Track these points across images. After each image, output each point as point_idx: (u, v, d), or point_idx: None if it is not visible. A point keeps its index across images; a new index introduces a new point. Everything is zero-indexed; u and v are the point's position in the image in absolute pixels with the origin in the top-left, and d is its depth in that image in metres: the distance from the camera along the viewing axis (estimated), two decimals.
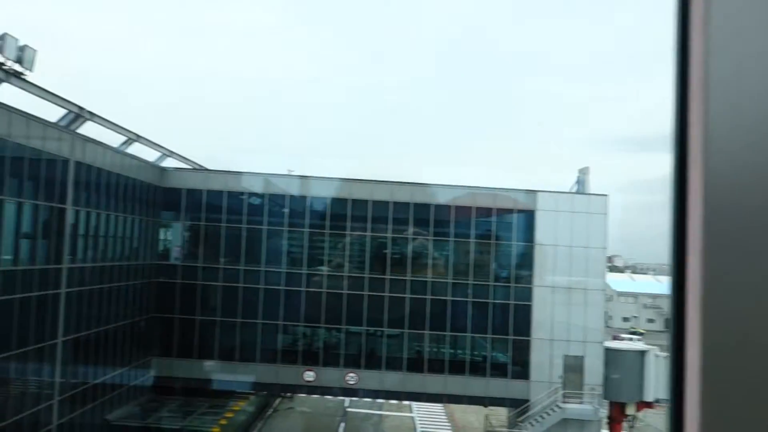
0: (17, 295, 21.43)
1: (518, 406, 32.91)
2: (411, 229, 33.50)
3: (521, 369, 33.12)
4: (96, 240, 27.45)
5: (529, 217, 33.56)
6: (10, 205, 21.10)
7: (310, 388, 34.23)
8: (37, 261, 22.93)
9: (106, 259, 28.19)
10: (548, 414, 31.35)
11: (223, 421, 31.38)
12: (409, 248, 33.59)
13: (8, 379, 21.34)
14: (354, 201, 33.82)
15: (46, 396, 23.58)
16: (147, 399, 32.40)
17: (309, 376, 33.23)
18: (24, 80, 21.66)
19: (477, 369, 33.43)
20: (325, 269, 33.69)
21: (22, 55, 21.11)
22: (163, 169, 34.33)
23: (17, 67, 21.07)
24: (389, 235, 33.52)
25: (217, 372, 33.06)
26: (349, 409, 43.33)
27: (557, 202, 33.64)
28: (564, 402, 31.69)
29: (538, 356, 32.86)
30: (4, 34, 20.24)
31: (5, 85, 21.07)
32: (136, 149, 31.47)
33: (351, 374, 33.23)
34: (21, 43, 21.07)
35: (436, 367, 33.37)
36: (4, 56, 20.32)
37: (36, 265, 22.78)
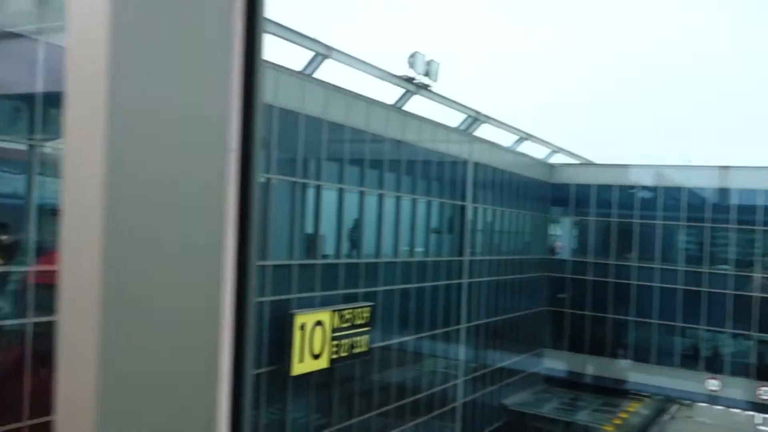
0: (428, 283, 24.09)
1: None
2: None
3: None
4: (492, 235, 29.30)
5: None
6: (421, 204, 23.84)
7: (712, 398, 31.22)
8: (443, 253, 25.48)
9: (501, 252, 29.89)
10: None
11: (617, 421, 30.58)
12: None
13: (422, 357, 24.14)
14: None
15: (452, 376, 26.04)
16: (539, 389, 33.41)
17: (712, 384, 30.34)
18: (430, 91, 24.22)
19: None
20: (730, 268, 30.39)
21: (429, 68, 23.65)
22: (552, 166, 34.97)
23: (425, 80, 23.67)
24: None
25: (608, 369, 32.45)
26: (761, 428, 38.33)
27: None
28: None
29: None
30: (415, 53, 22.95)
31: (415, 96, 23.86)
32: (526, 147, 32.71)
33: (765, 388, 29.33)
34: (427, 58, 23.62)
35: None
36: (415, 71, 23.05)
37: (442, 257, 25.32)
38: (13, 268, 11.44)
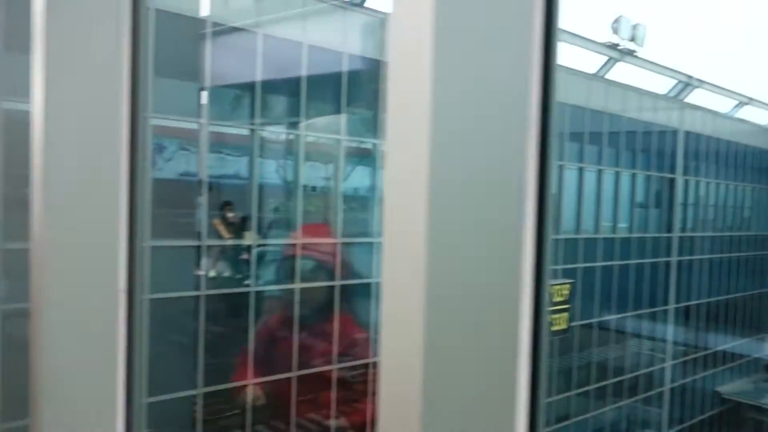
0: (632, 260, 22.94)
1: None
2: None
3: None
4: (705, 210, 27.11)
5: None
6: (625, 177, 22.68)
7: None
8: (649, 229, 24.07)
9: (716, 229, 27.58)
10: None
11: None
12: None
13: (625, 337, 23.13)
14: None
15: (659, 358, 24.66)
16: (761, 377, 30.50)
17: None
18: (636, 57, 22.81)
19: None
20: None
21: (634, 33, 22.25)
22: None
23: (630, 46, 22.32)
24: None
25: None
26: None
27: None
28: None
29: None
30: (620, 17, 21.70)
31: (619, 64, 22.61)
32: (747, 113, 29.66)
33: None
34: (633, 22, 22.24)
35: None
36: (619, 37, 21.82)
37: (648, 233, 23.92)
38: (271, 242, 12.82)
